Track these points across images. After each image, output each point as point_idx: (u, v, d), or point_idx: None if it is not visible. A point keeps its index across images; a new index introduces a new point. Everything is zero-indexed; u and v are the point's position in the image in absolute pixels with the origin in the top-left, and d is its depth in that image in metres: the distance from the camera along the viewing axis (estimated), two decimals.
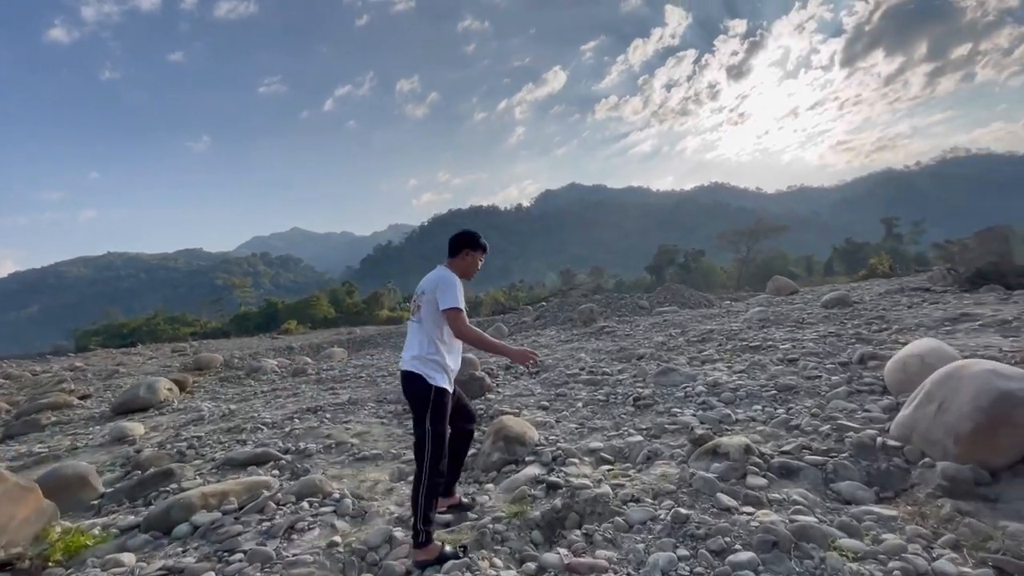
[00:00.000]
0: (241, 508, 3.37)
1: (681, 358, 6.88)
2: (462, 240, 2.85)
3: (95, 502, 3.90)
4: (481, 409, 5.33)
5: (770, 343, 6.90)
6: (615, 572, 2.29)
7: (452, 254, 2.85)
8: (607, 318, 14.56)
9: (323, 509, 3.30)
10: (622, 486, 3.09)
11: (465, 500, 3.18)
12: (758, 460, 3.13)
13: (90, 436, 6.63)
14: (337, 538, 2.88)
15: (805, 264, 60.69)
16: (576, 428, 4.55)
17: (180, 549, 2.94)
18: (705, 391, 5.00)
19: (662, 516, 2.64)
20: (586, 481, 3.18)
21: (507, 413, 4.94)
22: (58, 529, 3.23)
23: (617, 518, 2.69)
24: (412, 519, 2.59)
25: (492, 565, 2.47)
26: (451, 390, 2.75)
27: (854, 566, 2.11)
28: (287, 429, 5.47)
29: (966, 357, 4.21)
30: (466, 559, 2.49)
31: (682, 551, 2.33)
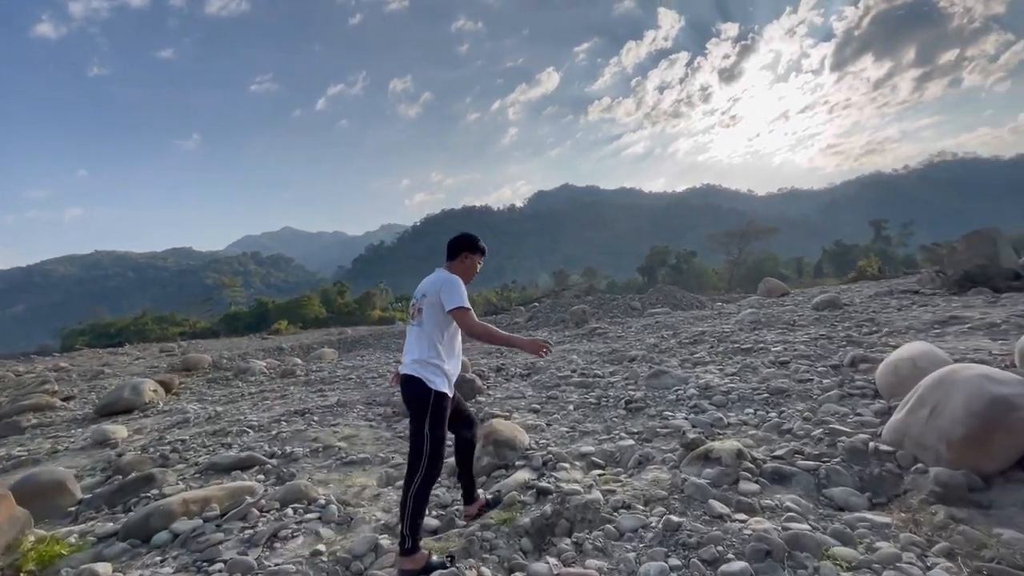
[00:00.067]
0: (223, 515, 3.28)
1: (673, 360, 6.86)
2: (461, 243, 2.83)
3: (72, 509, 3.79)
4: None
5: (762, 345, 6.89)
6: None
7: (451, 257, 2.82)
8: (599, 319, 14.55)
9: (308, 516, 3.22)
10: (613, 492, 3.04)
11: (489, 497, 3.11)
12: (750, 465, 3.09)
13: (71, 439, 6.48)
14: (321, 546, 2.81)
15: (795, 266, 61.16)
16: (567, 431, 4.50)
17: (158, 558, 2.85)
18: (697, 394, 4.97)
19: (653, 524, 2.59)
20: (577, 487, 3.13)
21: (497, 416, 4.88)
22: (31, 538, 3.13)
23: (608, 526, 2.64)
24: (399, 524, 2.52)
25: (480, 575, 2.41)
26: (451, 395, 2.70)
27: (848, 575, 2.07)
28: (274, 432, 5.38)
29: (956, 361, 4.21)
30: (453, 568, 2.43)
31: (674, 560, 2.28)
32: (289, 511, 3.30)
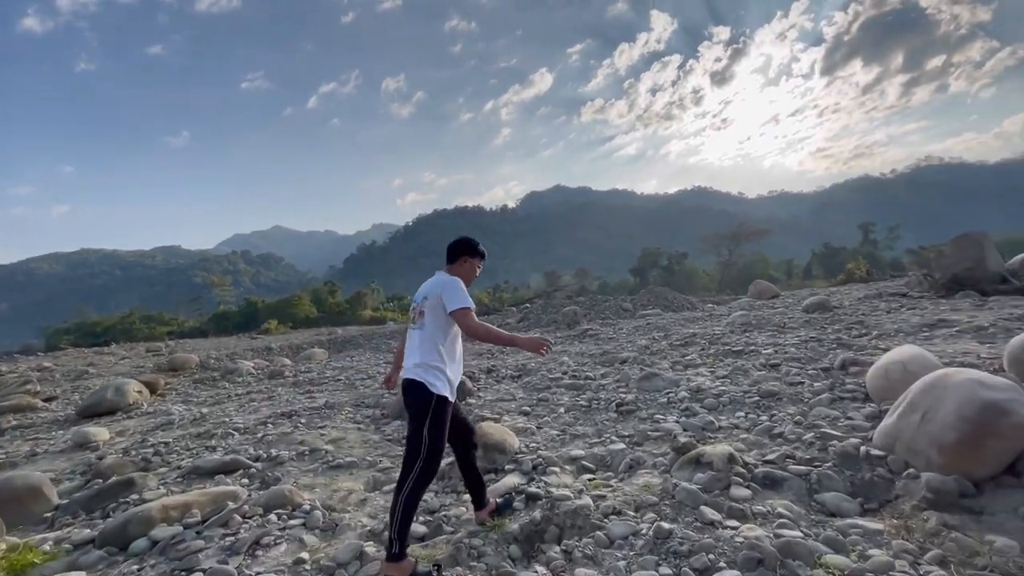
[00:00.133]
0: (205, 521, 3.20)
1: (664, 362, 6.84)
2: (460, 247, 2.82)
3: (48, 515, 3.67)
4: None
5: (752, 348, 6.90)
6: None
7: (451, 260, 2.82)
8: (591, 320, 14.54)
9: (292, 522, 3.15)
10: (604, 497, 3.00)
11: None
12: (742, 470, 3.06)
13: (52, 441, 6.33)
14: (304, 554, 2.73)
15: (785, 268, 61.62)
16: (558, 435, 4.46)
17: (136, 567, 2.76)
18: (688, 397, 4.95)
19: (644, 531, 2.55)
20: (567, 492, 3.08)
21: (488, 419, 4.82)
22: (3, 546, 3.02)
23: (598, 533, 2.59)
24: (388, 529, 2.46)
25: None
26: (453, 399, 2.65)
27: None
28: (259, 435, 5.28)
29: (946, 364, 4.22)
30: None
31: (665, 569, 2.24)
32: (273, 517, 3.22)
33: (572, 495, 3.02)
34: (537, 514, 2.86)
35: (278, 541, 2.90)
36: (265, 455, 4.57)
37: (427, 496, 3.42)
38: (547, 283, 60.47)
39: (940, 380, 3.02)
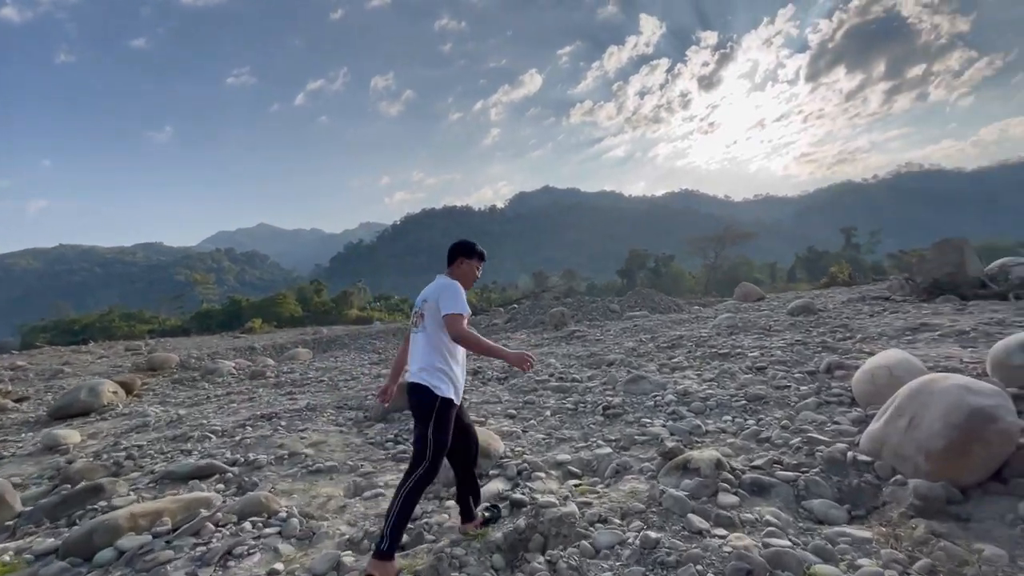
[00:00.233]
0: (175, 530, 3.07)
1: (651, 365, 6.82)
2: (456, 249, 2.84)
3: (10, 523, 3.51)
4: None
5: (739, 350, 6.90)
6: None
7: (449, 263, 2.83)
8: (578, 322, 14.51)
9: (267, 530, 3.03)
10: (589, 504, 2.93)
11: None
12: (729, 476, 3.02)
13: (20, 444, 6.10)
14: (279, 565, 2.63)
15: (769, 271, 62.41)
16: (543, 439, 4.39)
17: None
18: (675, 400, 4.91)
19: (630, 540, 2.48)
20: (552, 498, 3.01)
21: (472, 422, 4.73)
22: None
23: (583, 542, 2.52)
24: (383, 524, 2.45)
25: None
26: (458, 402, 2.65)
27: None
28: (237, 438, 5.13)
29: (930, 368, 4.23)
30: None
31: None
32: (247, 525, 3.10)
33: (557, 502, 2.95)
34: (521, 522, 2.79)
35: (252, 551, 2.79)
36: (242, 459, 4.43)
37: None
38: (535, 284, 60.49)
39: (927, 385, 3.00)
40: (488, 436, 4.08)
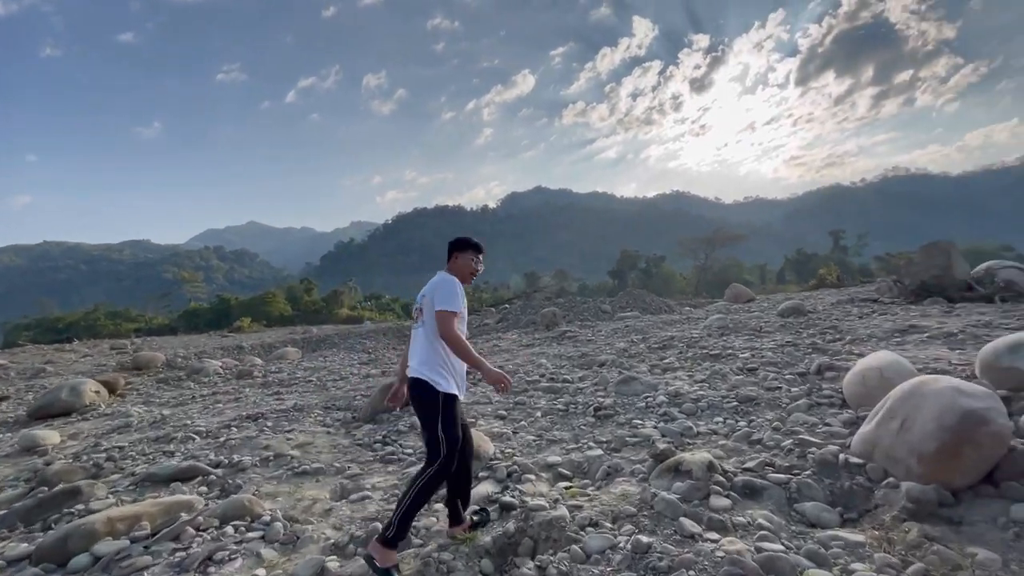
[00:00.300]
0: (154, 534, 2.98)
1: (642, 366, 6.79)
2: (451, 245, 2.86)
3: None
4: None
5: (730, 351, 6.90)
6: None
7: (447, 260, 2.84)
8: (570, 322, 14.49)
9: (249, 535, 2.95)
10: (580, 507, 2.88)
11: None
12: (721, 478, 2.98)
13: None
14: (261, 571, 2.56)
15: (759, 273, 62.90)
16: (534, 440, 4.34)
17: None
18: (667, 401, 4.88)
19: (622, 544, 2.44)
20: (542, 501, 2.96)
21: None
22: None
23: (574, 546, 2.47)
24: (393, 512, 2.48)
25: None
26: (461, 396, 2.66)
27: None
28: (222, 439, 5.03)
29: (920, 370, 4.24)
30: None
31: None
32: (229, 529, 3.02)
33: (548, 505, 2.90)
34: (511, 526, 2.74)
35: (233, 556, 2.71)
36: (226, 461, 4.34)
37: (394, 506, 3.27)
38: (527, 284, 60.48)
39: (918, 387, 2.99)
40: (478, 437, 4.02)
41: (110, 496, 3.72)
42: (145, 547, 2.83)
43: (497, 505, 3.05)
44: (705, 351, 7.16)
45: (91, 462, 4.60)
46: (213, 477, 3.98)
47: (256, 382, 9.36)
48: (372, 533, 2.87)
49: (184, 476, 4.02)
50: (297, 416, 5.87)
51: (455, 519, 2.79)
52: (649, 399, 5.04)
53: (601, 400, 5.22)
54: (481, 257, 2.85)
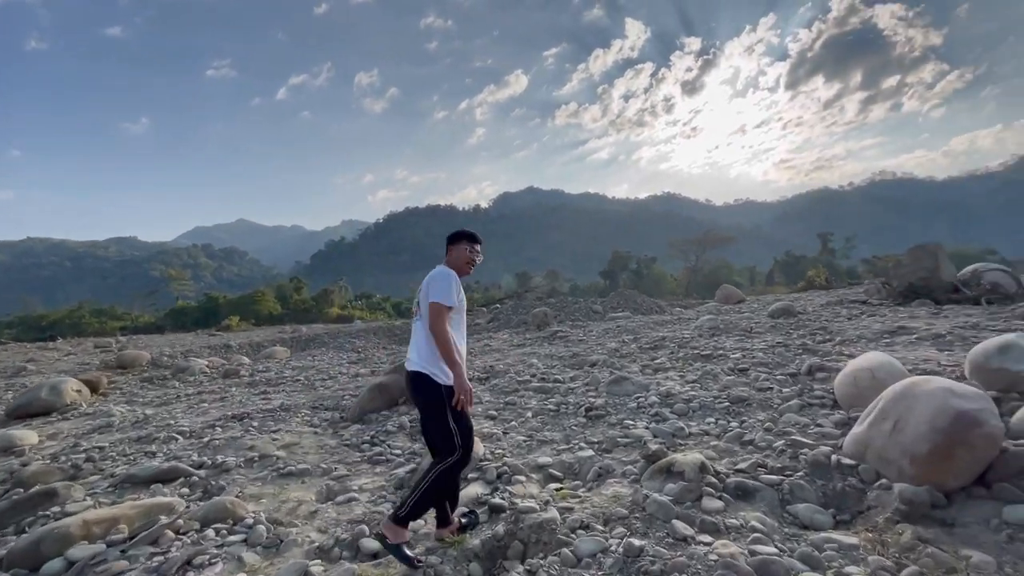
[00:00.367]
0: (132, 538, 2.89)
1: (634, 366, 6.77)
2: (447, 238, 2.87)
3: None
4: None
5: (721, 352, 6.89)
6: None
7: (445, 254, 2.86)
8: (561, 322, 14.45)
9: (231, 538, 2.87)
10: (571, 509, 2.83)
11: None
12: (713, 480, 2.95)
13: None
14: (242, 575, 2.47)
15: (749, 274, 63.36)
16: (524, 440, 4.29)
17: None
18: (658, 402, 4.86)
19: (613, 547, 2.39)
20: (532, 503, 2.91)
21: None
22: None
23: (564, 549, 2.42)
24: (409, 491, 2.55)
25: None
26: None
27: None
28: (206, 439, 4.93)
29: (910, 371, 4.24)
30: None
31: None
32: (210, 532, 2.94)
33: (538, 507, 2.85)
34: (500, 528, 2.68)
35: (213, 560, 2.63)
36: (210, 461, 4.24)
37: (383, 507, 3.21)
38: (518, 284, 60.43)
39: (910, 389, 2.98)
40: None
41: (88, 498, 3.61)
42: (122, 551, 2.74)
43: (486, 507, 2.99)
44: (696, 351, 7.15)
45: (69, 463, 4.47)
46: (196, 478, 3.89)
47: (243, 381, 9.21)
48: (358, 536, 2.81)
49: (166, 477, 3.92)
50: (284, 416, 5.77)
51: (443, 521, 2.73)
52: (640, 399, 5.01)
53: (592, 400, 5.18)
54: (478, 247, 2.81)
